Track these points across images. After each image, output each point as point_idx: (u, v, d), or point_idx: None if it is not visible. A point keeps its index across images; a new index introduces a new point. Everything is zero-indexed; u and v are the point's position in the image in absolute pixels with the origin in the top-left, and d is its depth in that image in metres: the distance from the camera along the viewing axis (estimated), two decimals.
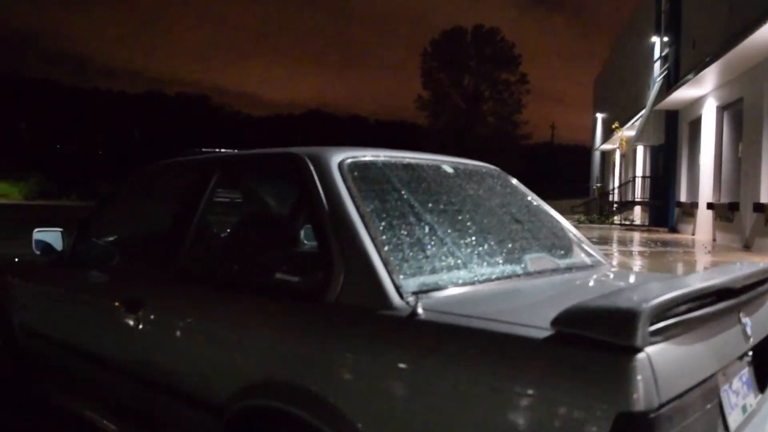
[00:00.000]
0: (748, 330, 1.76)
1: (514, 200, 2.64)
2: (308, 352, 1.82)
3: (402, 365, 1.61)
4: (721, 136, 14.42)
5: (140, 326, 2.42)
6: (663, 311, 1.39)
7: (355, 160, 2.16)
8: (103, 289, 2.82)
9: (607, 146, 29.34)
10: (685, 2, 17.33)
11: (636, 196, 22.72)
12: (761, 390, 1.88)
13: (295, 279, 2.05)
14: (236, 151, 2.87)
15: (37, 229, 3.38)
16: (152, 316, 2.40)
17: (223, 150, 2.96)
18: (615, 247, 12.85)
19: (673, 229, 17.92)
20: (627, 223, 21.95)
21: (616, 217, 22.71)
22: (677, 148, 18.04)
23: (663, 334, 1.38)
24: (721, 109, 14.40)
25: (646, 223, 20.89)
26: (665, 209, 18.85)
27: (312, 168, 2.08)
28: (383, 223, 1.93)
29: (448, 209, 2.22)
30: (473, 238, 2.12)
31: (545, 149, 68.03)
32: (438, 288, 1.82)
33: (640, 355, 1.29)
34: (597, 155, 33.90)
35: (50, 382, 3.34)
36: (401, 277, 1.78)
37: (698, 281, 1.60)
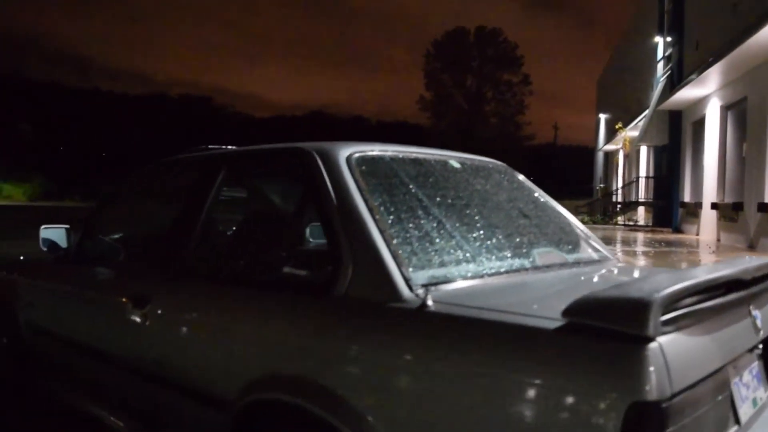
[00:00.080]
0: (759, 323, 1.76)
1: (521, 195, 2.64)
2: (317, 345, 1.82)
3: (412, 357, 1.61)
4: (725, 136, 14.39)
5: (147, 322, 2.42)
6: (674, 301, 1.39)
7: (363, 154, 2.16)
8: (109, 285, 2.82)
9: (610, 147, 29.30)
10: (687, 2, 17.30)
11: (639, 197, 22.67)
12: None
13: (303, 273, 2.05)
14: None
15: (43, 226, 3.38)
16: (159, 312, 2.40)
17: (228, 147, 2.96)
18: (619, 248, 12.82)
19: (677, 230, 17.88)
20: (631, 223, 21.90)
21: (619, 218, 22.66)
22: (681, 149, 18.01)
23: (674, 325, 1.38)
24: (725, 109, 14.37)
25: (650, 224, 20.84)
26: (669, 209, 18.81)
27: (320, 162, 2.08)
28: (391, 217, 1.93)
29: (455, 203, 2.22)
30: (481, 232, 2.12)
31: (548, 150, 68.00)
32: (447, 281, 1.82)
33: (652, 345, 1.29)
34: (600, 156, 33.86)
35: (56, 379, 3.35)
36: (410, 269, 1.78)
37: (709, 272, 1.60)
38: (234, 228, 2.99)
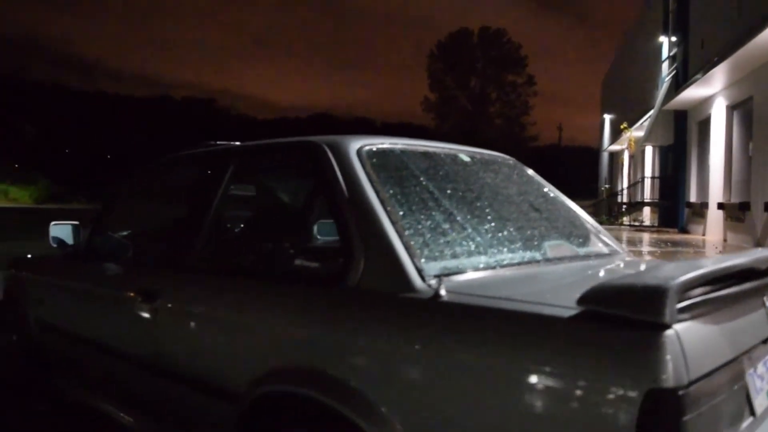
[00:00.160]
0: None
1: (531, 189, 2.64)
2: (329, 336, 1.82)
3: (425, 346, 1.61)
4: (730, 136, 14.35)
5: (157, 316, 2.43)
6: (690, 289, 1.39)
7: (373, 147, 2.16)
8: (118, 280, 2.82)
9: (615, 147, 29.24)
10: (692, 2, 17.27)
11: (645, 197, 22.62)
12: None
13: (314, 265, 2.05)
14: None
15: (53, 223, 3.39)
16: (169, 306, 2.40)
17: (236, 143, 2.96)
18: (625, 248, 12.78)
19: (683, 230, 17.84)
20: (636, 224, 21.85)
21: (625, 218, 22.61)
22: (686, 148, 17.96)
23: (690, 313, 1.37)
24: (731, 109, 14.33)
25: (656, 224, 20.79)
26: (675, 210, 18.77)
27: (331, 155, 2.08)
28: (403, 209, 1.93)
29: (466, 196, 2.22)
30: (492, 224, 2.12)
31: (553, 151, 67.97)
32: (459, 272, 1.82)
33: (669, 332, 1.28)
34: (605, 156, 33.79)
35: (65, 375, 3.36)
36: (422, 260, 1.78)
37: (723, 262, 1.60)
38: (244, 222, 3.00)
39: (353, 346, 1.76)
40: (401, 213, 1.90)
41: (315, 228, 3.12)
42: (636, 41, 25.80)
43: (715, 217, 14.91)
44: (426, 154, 2.34)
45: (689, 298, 1.39)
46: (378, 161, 2.10)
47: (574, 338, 1.39)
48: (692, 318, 1.37)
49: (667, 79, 19.12)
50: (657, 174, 21.75)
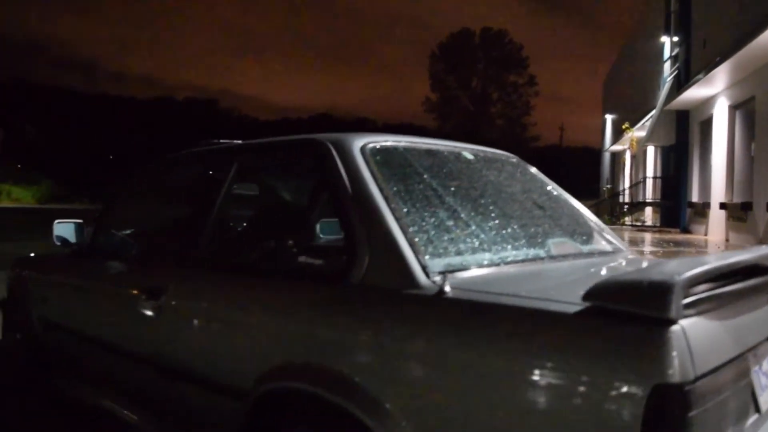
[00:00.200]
0: None
1: (535, 187, 2.64)
2: (334, 333, 1.82)
3: (430, 343, 1.61)
4: (733, 136, 14.33)
5: (161, 313, 2.43)
6: (695, 285, 1.39)
7: (377, 144, 2.17)
8: (122, 278, 2.83)
9: (617, 147, 29.22)
10: (694, 2, 17.26)
11: (647, 197, 22.60)
12: None
13: (318, 262, 2.05)
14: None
15: (57, 221, 3.40)
16: (173, 303, 2.41)
17: (238, 141, 2.97)
18: (628, 246, 12.76)
19: (685, 230, 17.82)
20: (638, 224, 21.82)
21: (627, 218, 22.58)
22: (688, 148, 17.95)
23: (696, 308, 1.37)
24: (733, 108, 14.31)
25: (658, 224, 20.77)
26: (677, 210, 18.75)
27: (335, 153, 2.08)
28: (406, 206, 1.93)
29: (469, 193, 2.22)
30: (496, 221, 2.12)
31: (554, 151, 67.93)
32: (463, 268, 1.82)
33: (675, 327, 1.28)
34: (607, 156, 33.78)
35: (69, 373, 3.36)
36: (426, 257, 1.78)
37: (728, 258, 1.60)
38: (248, 220, 3.00)
39: (357, 343, 1.76)
40: (405, 210, 1.91)
41: (318, 227, 3.12)
42: (638, 41, 25.77)
43: (717, 217, 14.89)
44: (429, 152, 2.34)
45: (695, 294, 1.39)
46: (381, 158, 2.10)
47: (579, 334, 1.39)
48: (698, 314, 1.37)
49: (669, 79, 19.10)
50: (659, 174, 21.73)
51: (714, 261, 1.51)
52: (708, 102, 15.93)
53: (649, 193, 22.59)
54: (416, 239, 1.81)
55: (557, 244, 2.26)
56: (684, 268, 1.38)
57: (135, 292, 2.59)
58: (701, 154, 17.01)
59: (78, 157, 60.56)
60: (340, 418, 1.69)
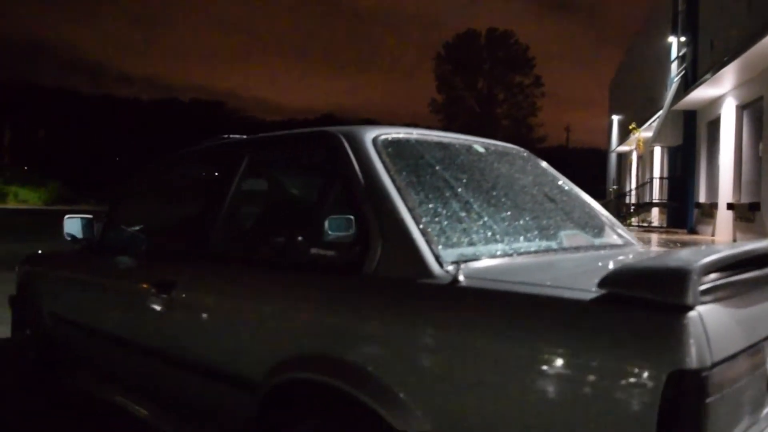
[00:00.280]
0: None
1: (546, 180, 2.64)
2: (346, 323, 1.82)
3: (444, 332, 1.60)
4: (740, 136, 14.28)
5: (172, 307, 2.43)
6: (712, 271, 1.38)
7: (389, 136, 2.17)
8: (133, 272, 2.83)
9: (623, 148, 29.17)
10: (702, 2, 17.22)
11: (654, 198, 22.54)
12: None
13: (331, 254, 2.05)
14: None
15: (67, 216, 3.41)
16: (184, 296, 2.41)
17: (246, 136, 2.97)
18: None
19: (692, 231, 17.76)
20: (645, 224, 21.76)
21: (633, 219, 22.51)
22: (696, 149, 17.89)
23: (712, 295, 1.36)
24: (741, 109, 14.26)
25: (664, 225, 20.71)
26: (684, 210, 18.68)
27: (346, 145, 2.08)
28: (419, 196, 1.93)
29: (481, 185, 2.22)
30: (508, 213, 2.12)
31: (560, 152, 67.79)
32: (476, 259, 1.82)
33: (692, 313, 1.27)
34: (613, 157, 33.72)
35: (78, 369, 3.37)
36: (439, 247, 1.78)
37: (744, 246, 1.59)
38: (259, 212, 3.00)
39: (370, 333, 1.76)
40: (417, 201, 1.91)
41: (326, 223, 3.12)
42: (645, 42, 25.73)
43: (724, 217, 14.83)
44: (440, 144, 2.34)
45: (711, 281, 1.39)
46: (393, 150, 2.10)
47: (595, 321, 1.38)
48: (714, 301, 1.37)
49: (676, 79, 19.06)
50: (666, 175, 21.67)
51: (729, 249, 1.51)
52: (715, 102, 15.88)
53: (656, 193, 22.53)
54: (429, 229, 1.81)
55: (569, 236, 2.26)
56: (700, 256, 1.37)
57: (146, 286, 2.60)
58: (708, 155, 16.95)
59: (84, 159, 60.78)
60: (354, 408, 1.69)
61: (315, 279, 1.99)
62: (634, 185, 26.83)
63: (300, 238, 2.23)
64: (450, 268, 1.70)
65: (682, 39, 18.95)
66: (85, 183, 52.87)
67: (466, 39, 64.22)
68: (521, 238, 2.05)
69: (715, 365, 1.28)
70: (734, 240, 13.88)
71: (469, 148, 2.46)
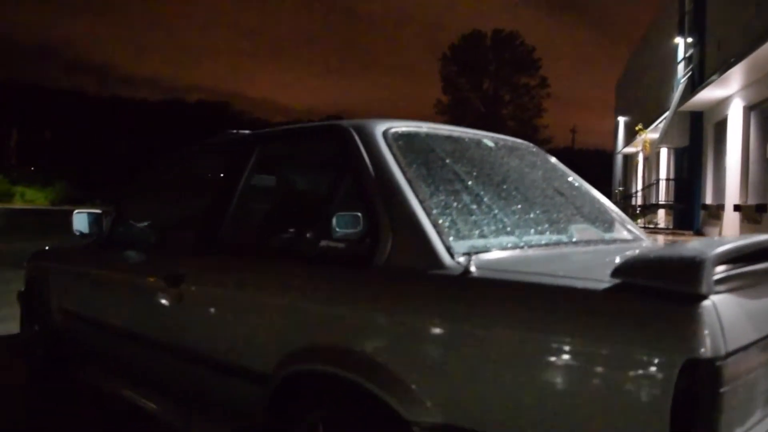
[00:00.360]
0: None
1: (555, 175, 2.64)
2: (358, 315, 1.82)
3: (454, 323, 1.60)
4: (747, 137, 14.22)
5: (182, 300, 2.44)
6: (725, 262, 1.38)
7: (399, 129, 2.17)
8: (143, 266, 2.84)
9: (629, 149, 29.09)
10: (709, 2, 17.17)
11: (660, 199, 22.45)
12: None
13: (341, 246, 2.05)
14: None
15: (76, 211, 3.42)
16: (194, 289, 2.42)
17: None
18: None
19: (699, 232, 17.69)
20: (651, 226, 21.67)
21: (639, 220, 22.41)
22: (702, 150, 17.83)
23: (726, 285, 1.36)
24: (748, 110, 14.21)
25: (671, 226, 20.63)
26: (690, 212, 18.62)
27: (357, 138, 2.09)
28: (429, 189, 1.94)
29: (491, 178, 2.22)
30: (518, 206, 2.12)
31: (566, 154, 67.64)
32: (487, 251, 1.82)
33: (706, 302, 1.27)
34: (619, 158, 33.63)
35: (87, 363, 3.38)
36: (450, 238, 1.78)
37: (756, 238, 1.58)
38: (270, 205, 3.00)
39: (381, 324, 1.76)
40: (428, 193, 1.91)
41: (334, 220, 3.11)
42: (651, 43, 25.66)
43: (731, 219, 14.78)
44: (450, 138, 2.35)
45: (724, 272, 1.38)
46: (404, 143, 2.10)
47: (609, 310, 1.38)
48: (727, 291, 1.36)
49: (682, 80, 19.00)
50: (672, 176, 21.59)
51: (741, 241, 1.50)
52: (722, 103, 15.82)
53: (662, 195, 22.44)
54: (440, 221, 1.81)
55: (579, 230, 2.26)
56: (713, 246, 1.37)
57: (155, 279, 2.60)
58: (715, 156, 16.89)
59: (90, 159, 60.95)
60: (365, 399, 1.69)
61: (325, 271, 2.00)
62: (640, 186, 26.75)
63: (310, 231, 2.23)
64: (461, 259, 1.70)
65: (689, 40, 18.88)
66: (91, 183, 53.01)
67: (472, 40, 64.14)
68: (532, 231, 2.05)
69: (729, 355, 1.27)
70: None
71: (478, 142, 2.47)
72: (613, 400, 1.32)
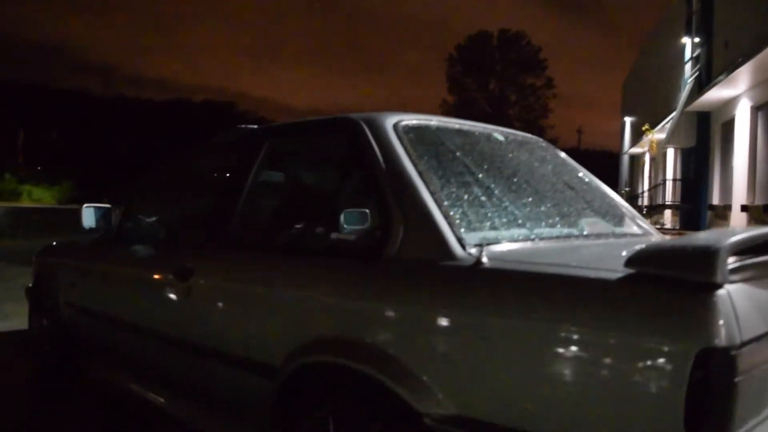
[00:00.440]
0: None
1: (566, 170, 2.64)
2: (368, 306, 1.82)
3: (466, 313, 1.60)
4: (755, 137, 14.17)
5: (191, 294, 2.44)
6: (739, 252, 1.37)
7: (409, 122, 2.17)
8: (152, 261, 2.84)
9: (636, 150, 29.02)
10: (717, 2, 17.11)
11: (666, 200, 22.39)
12: None
13: (351, 238, 2.05)
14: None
15: (86, 205, 3.43)
16: (203, 283, 2.42)
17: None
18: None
19: None
20: (657, 226, 21.51)
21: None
22: (709, 150, 17.77)
23: (739, 274, 1.36)
24: (755, 110, 14.15)
25: (677, 227, 20.57)
26: (697, 212, 18.55)
27: (367, 130, 2.09)
28: (440, 181, 1.93)
29: (502, 171, 2.22)
30: (529, 198, 2.12)
31: (572, 154, 67.03)
32: (498, 242, 1.81)
33: (721, 291, 1.27)
34: (626, 159, 33.56)
35: (96, 358, 3.38)
36: (462, 230, 1.77)
37: None
38: (279, 199, 3.00)
39: (392, 316, 1.76)
40: (439, 185, 1.91)
41: (342, 217, 3.11)
42: (658, 42, 25.59)
43: (738, 219, 14.71)
44: (460, 132, 2.35)
45: (738, 261, 1.38)
46: (414, 136, 2.10)
47: (622, 300, 1.37)
48: (741, 281, 1.36)
49: (689, 80, 18.94)
50: (679, 176, 21.53)
51: (755, 231, 1.50)
52: (730, 103, 15.77)
53: (669, 195, 22.38)
54: (451, 213, 1.81)
55: (590, 224, 2.26)
56: (727, 236, 1.36)
57: (164, 274, 2.60)
58: (722, 156, 16.83)
59: (96, 159, 61.14)
60: (375, 391, 1.69)
61: (336, 264, 1.99)
62: (646, 187, 26.67)
63: (320, 224, 2.23)
64: (473, 250, 1.69)
65: (696, 40, 18.83)
66: (97, 182, 53.20)
67: (478, 40, 64.07)
68: (542, 223, 2.05)
69: (744, 344, 1.27)
70: None
71: (488, 136, 2.46)
72: (627, 390, 1.32)
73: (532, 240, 1.91)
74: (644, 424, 1.30)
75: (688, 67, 19.85)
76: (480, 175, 2.09)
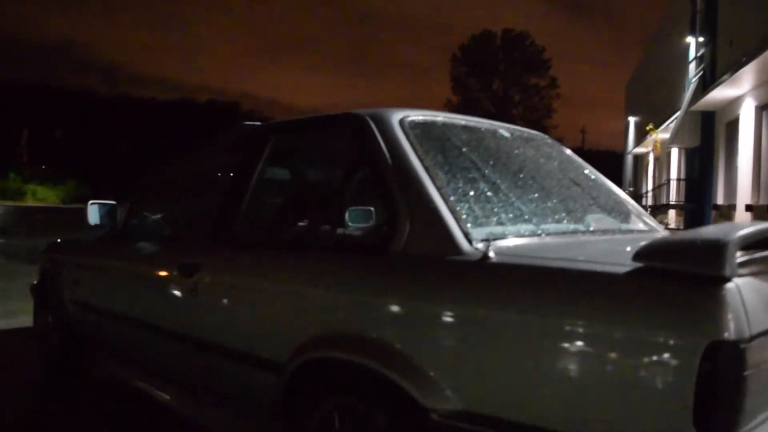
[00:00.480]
0: None
1: (571, 166, 2.64)
2: (375, 301, 1.82)
3: (473, 308, 1.60)
4: (759, 137, 14.13)
5: (197, 290, 2.44)
6: (748, 245, 1.37)
7: (415, 118, 2.17)
8: (158, 257, 2.85)
9: (640, 150, 28.98)
10: (721, 1, 17.07)
11: (670, 199, 22.35)
12: None
13: (358, 233, 2.05)
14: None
15: (91, 201, 3.43)
16: (209, 279, 2.42)
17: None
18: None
19: None
20: (661, 226, 21.57)
21: None
22: (714, 150, 17.73)
23: (748, 268, 1.35)
24: (760, 109, 14.12)
25: (681, 227, 20.53)
26: (701, 212, 18.52)
27: (373, 126, 2.09)
28: (446, 176, 1.93)
29: (508, 167, 2.22)
30: (535, 194, 2.12)
31: (576, 154, 67.14)
32: (505, 237, 1.81)
33: (730, 285, 1.26)
34: (629, 159, 33.52)
35: (101, 354, 3.39)
36: (468, 225, 1.77)
37: None
38: (285, 195, 3.00)
39: (398, 310, 1.75)
40: (445, 180, 1.91)
41: (347, 215, 3.10)
42: (662, 42, 25.55)
43: (742, 219, 14.68)
44: (466, 128, 2.34)
45: (746, 255, 1.37)
46: (420, 131, 2.10)
47: (630, 294, 1.37)
48: (750, 275, 1.35)
49: (694, 80, 18.91)
50: (683, 176, 21.49)
51: (764, 225, 1.49)
52: (734, 103, 15.73)
53: (673, 195, 22.34)
54: (457, 208, 1.81)
55: (596, 220, 2.26)
56: (736, 229, 1.36)
57: (170, 270, 2.61)
58: (727, 156, 16.79)
59: (100, 158, 61.27)
60: (381, 387, 1.69)
61: (342, 259, 2.00)
62: (650, 187, 26.64)
63: (326, 219, 2.23)
64: (479, 245, 1.69)
65: (701, 39, 18.78)
66: (101, 182, 53.33)
67: (482, 40, 64.04)
68: (549, 219, 2.05)
69: (753, 338, 1.27)
70: None
71: (494, 132, 2.46)
72: (635, 384, 1.32)
73: (539, 235, 1.91)
74: (653, 418, 1.29)
75: (692, 66, 19.81)
76: (486, 171, 2.09)
